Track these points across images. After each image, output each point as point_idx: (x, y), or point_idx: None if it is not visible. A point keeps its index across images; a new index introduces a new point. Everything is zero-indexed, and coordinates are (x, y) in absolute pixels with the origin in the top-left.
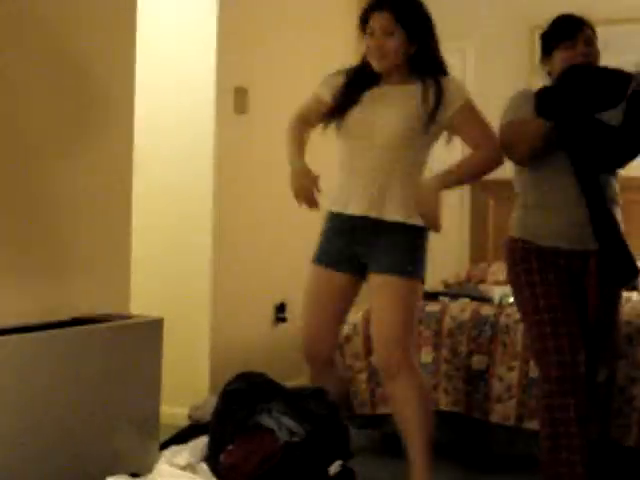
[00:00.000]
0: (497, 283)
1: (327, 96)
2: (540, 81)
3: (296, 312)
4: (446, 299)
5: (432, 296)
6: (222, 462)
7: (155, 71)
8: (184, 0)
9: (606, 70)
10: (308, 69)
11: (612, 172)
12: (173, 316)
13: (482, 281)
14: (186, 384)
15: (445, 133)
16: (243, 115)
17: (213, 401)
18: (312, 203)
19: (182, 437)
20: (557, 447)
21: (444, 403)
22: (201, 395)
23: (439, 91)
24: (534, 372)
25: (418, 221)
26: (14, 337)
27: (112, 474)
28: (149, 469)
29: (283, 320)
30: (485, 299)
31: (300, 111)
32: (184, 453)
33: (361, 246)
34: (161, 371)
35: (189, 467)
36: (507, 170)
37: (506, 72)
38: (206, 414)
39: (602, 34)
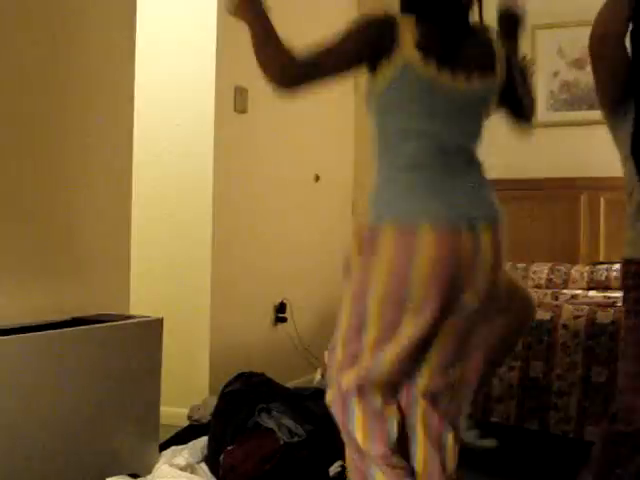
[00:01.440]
0: None
1: None
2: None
3: (296, 312)
4: None
5: None
6: (222, 462)
7: (155, 70)
8: (184, 0)
9: None
10: None
11: None
12: (173, 316)
13: None
14: (186, 384)
15: None
16: (243, 114)
17: (213, 401)
18: None
19: (182, 437)
20: None
21: None
22: (201, 395)
23: None
24: (534, 372)
25: None
26: (14, 337)
27: (112, 474)
28: (149, 469)
29: (283, 320)
30: None
31: None
32: (184, 453)
33: None
34: (161, 371)
35: (189, 467)
36: (507, 170)
37: None
38: (206, 414)
39: None
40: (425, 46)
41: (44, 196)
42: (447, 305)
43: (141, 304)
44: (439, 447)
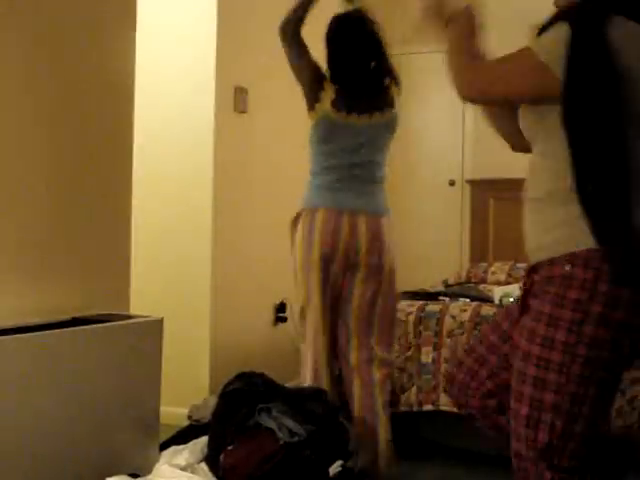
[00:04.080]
0: (497, 283)
1: None
2: None
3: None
4: (446, 299)
5: (432, 296)
6: (222, 462)
7: (155, 70)
8: (184, 0)
9: None
10: None
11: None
12: (173, 316)
13: (482, 281)
14: (186, 384)
15: None
16: (243, 114)
17: (213, 401)
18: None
19: (182, 437)
20: None
21: (444, 403)
22: (201, 395)
23: None
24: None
25: None
26: (14, 337)
27: (112, 474)
28: (149, 469)
29: (283, 320)
30: (485, 299)
31: None
32: (184, 453)
33: None
34: (161, 371)
35: (189, 467)
36: (508, 170)
37: None
38: (206, 414)
39: None
40: (337, 103)
41: (43, 196)
42: (329, 261)
43: (141, 304)
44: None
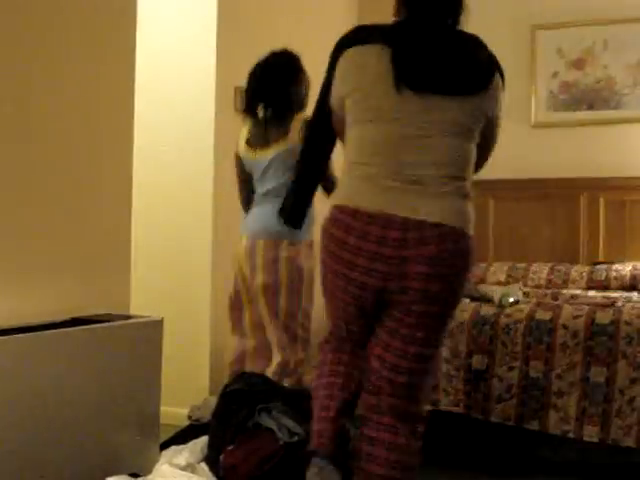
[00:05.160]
0: (497, 283)
1: None
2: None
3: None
4: None
5: None
6: (222, 462)
7: (155, 70)
8: (184, 0)
9: None
10: (307, 69)
11: None
12: (173, 316)
13: (482, 281)
14: (186, 384)
15: None
16: None
17: (213, 401)
18: None
19: (182, 437)
20: None
21: (444, 403)
22: (201, 395)
23: None
24: (534, 372)
25: None
26: (14, 337)
27: (112, 474)
28: (149, 469)
29: None
30: (485, 299)
31: None
32: (184, 453)
33: None
34: (161, 371)
35: (189, 467)
36: (507, 170)
37: (506, 72)
38: (206, 414)
39: (602, 34)
40: (250, 141)
41: (44, 196)
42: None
43: (141, 304)
44: None
